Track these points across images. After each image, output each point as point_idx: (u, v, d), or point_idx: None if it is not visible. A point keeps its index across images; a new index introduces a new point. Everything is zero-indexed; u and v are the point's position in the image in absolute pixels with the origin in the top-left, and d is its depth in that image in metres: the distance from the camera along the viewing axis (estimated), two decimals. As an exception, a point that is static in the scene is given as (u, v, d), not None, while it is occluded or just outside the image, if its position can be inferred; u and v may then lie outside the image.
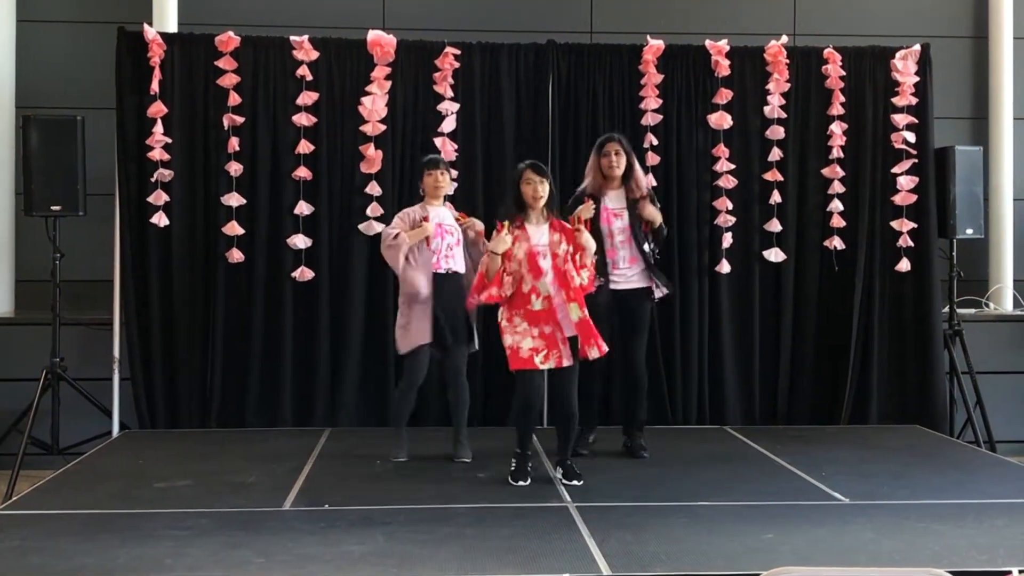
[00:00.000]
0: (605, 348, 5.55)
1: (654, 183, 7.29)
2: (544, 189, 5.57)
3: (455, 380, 6.15)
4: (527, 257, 5.51)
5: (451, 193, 7.10)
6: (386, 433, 6.36)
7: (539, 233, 5.58)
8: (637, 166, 6.25)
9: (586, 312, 5.50)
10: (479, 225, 6.26)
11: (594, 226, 5.98)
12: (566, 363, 5.48)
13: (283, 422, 7.15)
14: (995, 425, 7.45)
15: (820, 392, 7.50)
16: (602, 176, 6.18)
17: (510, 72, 7.38)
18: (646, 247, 6.16)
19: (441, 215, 6.18)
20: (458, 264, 6.13)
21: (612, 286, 6.08)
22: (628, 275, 6.13)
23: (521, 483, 5.54)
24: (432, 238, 6.06)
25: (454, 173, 7.15)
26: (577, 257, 5.56)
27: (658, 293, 6.25)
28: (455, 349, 6.10)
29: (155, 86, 7.07)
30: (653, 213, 6.16)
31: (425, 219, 6.09)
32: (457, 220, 6.24)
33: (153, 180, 7.07)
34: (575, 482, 5.55)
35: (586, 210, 5.93)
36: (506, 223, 5.59)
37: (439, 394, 7.21)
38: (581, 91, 7.40)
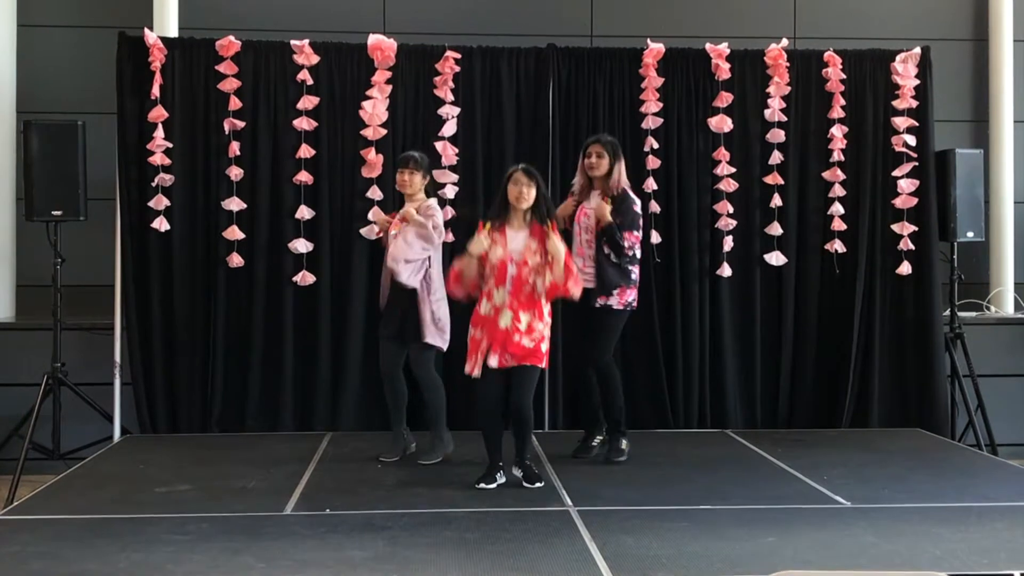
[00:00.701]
0: (534, 360, 5.50)
1: (654, 187, 7.30)
2: (530, 193, 5.55)
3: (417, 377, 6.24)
4: (499, 263, 5.54)
5: (451, 197, 7.14)
6: (387, 437, 6.36)
7: (517, 239, 5.57)
8: (620, 170, 6.19)
9: (535, 321, 5.47)
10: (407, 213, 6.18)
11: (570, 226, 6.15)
12: (478, 372, 5.51)
13: (284, 426, 7.15)
14: (996, 428, 7.45)
15: (821, 395, 7.49)
16: (586, 177, 6.21)
17: (510, 76, 7.38)
18: (605, 250, 6.07)
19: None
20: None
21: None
22: (586, 275, 6.02)
23: (483, 485, 5.55)
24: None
25: (454, 177, 7.17)
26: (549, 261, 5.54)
27: (600, 301, 6.08)
28: (393, 346, 6.20)
29: (156, 90, 7.08)
30: (600, 209, 6.05)
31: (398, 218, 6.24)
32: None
33: (154, 184, 7.08)
34: (536, 484, 5.57)
35: (565, 208, 6.17)
36: (487, 225, 5.60)
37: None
38: (581, 95, 7.40)
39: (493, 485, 5.57)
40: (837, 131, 7.46)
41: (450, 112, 7.24)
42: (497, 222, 5.60)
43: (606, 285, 6.08)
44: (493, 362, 5.47)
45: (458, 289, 5.70)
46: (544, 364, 5.63)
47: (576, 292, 5.62)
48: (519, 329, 5.47)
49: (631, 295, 6.18)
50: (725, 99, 7.39)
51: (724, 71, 7.40)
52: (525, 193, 5.55)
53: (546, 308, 5.60)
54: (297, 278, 7.14)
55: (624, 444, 6.23)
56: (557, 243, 5.53)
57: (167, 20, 7.74)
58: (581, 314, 6.12)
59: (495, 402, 5.59)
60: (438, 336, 6.11)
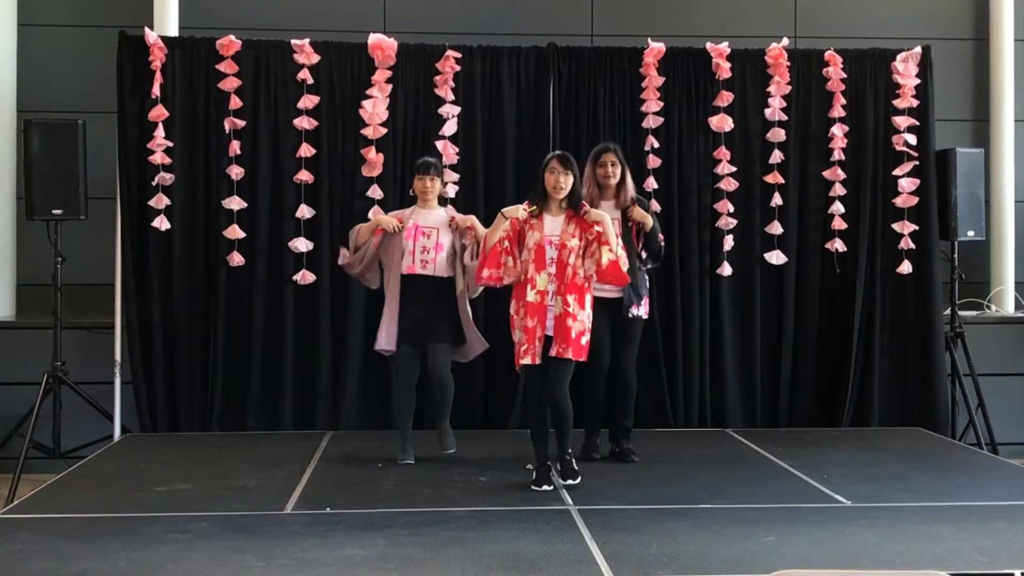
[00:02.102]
0: (579, 356, 5.50)
1: (655, 186, 7.30)
2: (567, 181, 5.56)
3: (435, 379, 6.13)
4: (536, 247, 5.53)
5: (452, 196, 7.14)
6: (388, 436, 6.37)
7: (554, 224, 5.58)
8: (629, 177, 6.21)
9: (577, 310, 5.47)
10: (469, 220, 6.22)
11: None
12: (539, 361, 5.47)
13: (284, 425, 7.15)
14: (997, 427, 7.45)
15: (821, 394, 7.49)
16: (597, 186, 6.16)
17: (511, 75, 7.38)
18: (643, 255, 6.14)
19: (427, 218, 6.19)
20: (438, 269, 6.11)
21: (603, 294, 5.99)
22: (611, 288, 5.96)
23: (546, 487, 5.50)
24: (405, 239, 6.11)
25: (454, 176, 7.17)
26: (595, 244, 5.50)
27: (632, 311, 6.14)
28: (432, 351, 6.11)
29: (156, 90, 7.08)
30: (643, 215, 6.12)
31: (399, 220, 6.17)
32: (451, 225, 6.20)
33: (154, 184, 7.08)
34: (570, 480, 5.57)
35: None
36: (532, 207, 5.61)
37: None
38: (582, 94, 7.40)
39: (552, 487, 5.52)
40: (838, 130, 7.46)
41: (450, 111, 7.24)
42: (536, 209, 5.62)
43: (639, 295, 6.15)
44: (553, 352, 5.47)
45: (482, 271, 5.60)
46: (584, 357, 5.58)
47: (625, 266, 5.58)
48: (569, 313, 5.45)
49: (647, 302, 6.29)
50: (726, 98, 7.39)
51: (725, 70, 7.40)
52: (563, 182, 5.56)
53: (587, 298, 5.56)
54: (297, 277, 7.14)
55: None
56: (598, 213, 5.57)
57: (167, 19, 7.73)
58: (611, 326, 6.11)
59: (544, 394, 5.59)
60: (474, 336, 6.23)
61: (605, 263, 5.46)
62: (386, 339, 6.18)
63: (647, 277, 6.30)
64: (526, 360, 5.48)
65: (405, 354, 6.15)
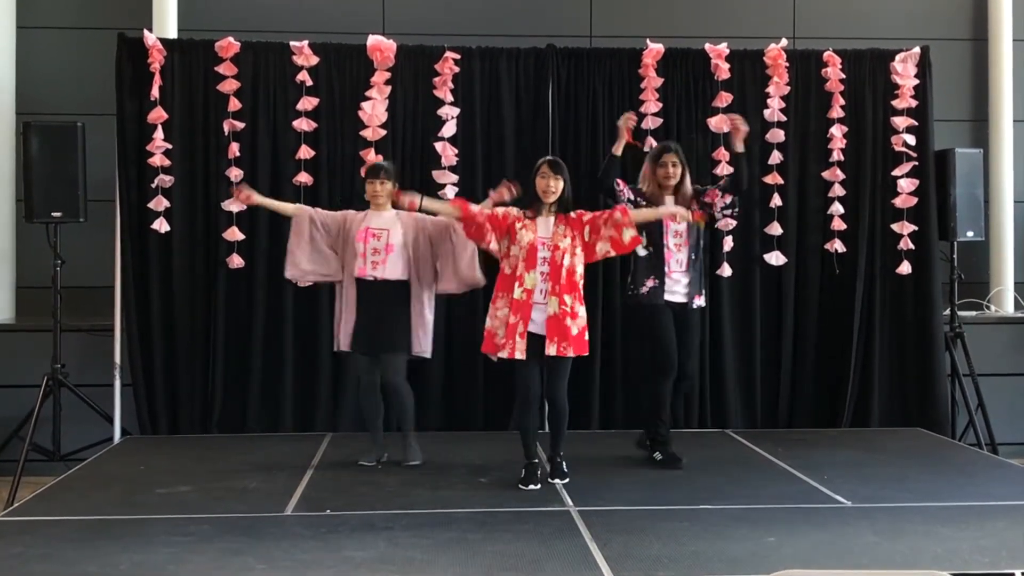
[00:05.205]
0: (581, 351, 5.60)
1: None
2: (557, 185, 5.64)
3: (389, 390, 6.06)
4: (528, 246, 5.60)
5: (451, 197, 7.12)
6: (387, 438, 6.35)
7: (546, 227, 5.67)
8: (688, 176, 6.21)
9: (576, 307, 5.57)
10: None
11: (650, 234, 6.03)
12: (518, 356, 5.53)
13: (284, 427, 7.16)
14: (997, 427, 7.45)
15: (821, 395, 7.50)
16: (657, 185, 6.14)
17: (510, 76, 7.38)
18: (702, 256, 6.20)
19: (378, 220, 6.11)
20: (388, 271, 6.03)
21: (666, 295, 6.05)
22: (681, 282, 6.08)
23: (532, 487, 5.56)
24: (356, 241, 6.06)
25: (453, 178, 7.16)
26: (604, 225, 5.63)
27: (696, 302, 6.18)
28: (385, 358, 6.03)
29: (155, 92, 7.08)
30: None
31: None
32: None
33: (153, 186, 7.08)
34: (558, 480, 5.64)
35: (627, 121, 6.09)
36: (524, 213, 5.70)
37: (440, 398, 7.23)
38: (581, 95, 7.41)
39: (539, 486, 5.58)
40: (837, 131, 7.46)
41: (449, 113, 7.24)
42: (529, 212, 5.70)
43: (700, 285, 6.20)
44: (552, 351, 5.52)
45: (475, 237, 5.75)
46: (586, 351, 5.69)
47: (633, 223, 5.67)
48: (567, 312, 5.55)
49: None
50: (724, 99, 7.39)
51: (723, 71, 7.41)
52: (553, 186, 5.65)
53: (578, 295, 5.66)
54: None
55: None
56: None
57: (166, 22, 7.73)
58: (676, 319, 6.10)
59: (537, 394, 5.67)
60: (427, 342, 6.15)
61: (628, 240, 5.63)
62: (344, 340, 6.12)
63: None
64: (503, 354, 5.57)
65: (361, 361, 6.10)
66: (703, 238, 6.28)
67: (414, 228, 6.11)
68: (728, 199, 6.23)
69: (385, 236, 6.06)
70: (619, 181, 6.16)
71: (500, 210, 5.73)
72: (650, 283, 6.06)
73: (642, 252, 6.06)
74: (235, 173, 7.12)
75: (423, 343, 6.13)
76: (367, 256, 6.04)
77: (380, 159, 7.15)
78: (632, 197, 6.10)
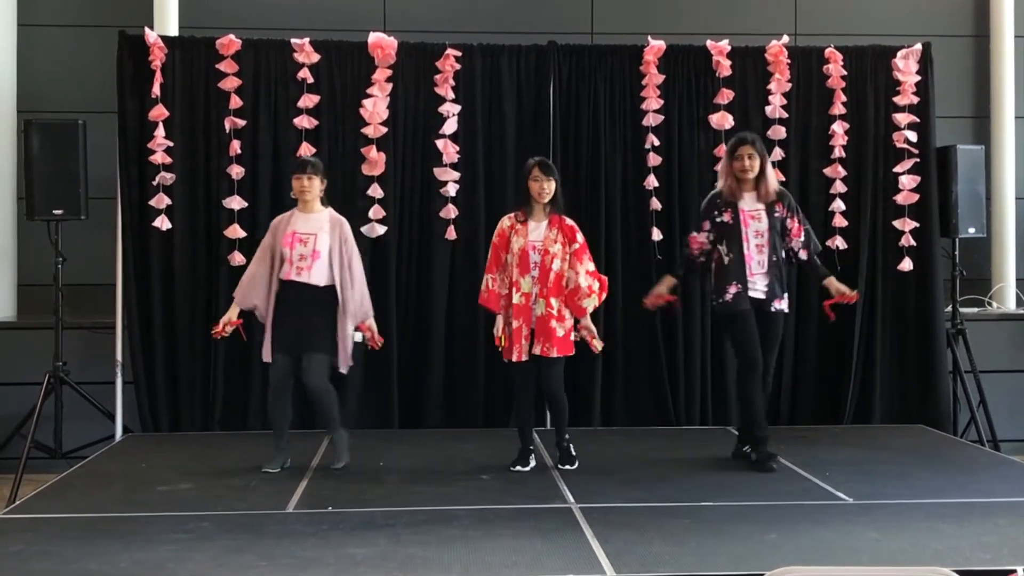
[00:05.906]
0: (565, 351, 5.78)
1: (656, 184, 7.31)
2: (549, 187, 5.78)
3: (310, 390, 5.86)
4: (520, 252, 5.75)
5: (453, 195, 7.14)
6: (389, 435, 6.38)
7: (538, 230, 5.80)
8: (769, 167, 6.08)
9: (562, 311, 5.73)
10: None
11: (732, 230, 5.92)
12: (525, 358, 5.73)
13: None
14: (998, 424, 7.44)
15: (823, 392, 7.49)
16: (735, 179, 6.00)
17: (511, 73, 7.38)
18: (783, 254, 6.02)
19: (305, 223, 5.91)
20: (314, 278, 5.82)
21: (750, 292, 5.92)
22: (760, 283, 5.93)
23: (520, 468, 5.83)
24: (283, 247, 5.85)
25: (455, 175, 7.16)
26: (578, 267, 5.82)
27: (776, 305, 6.00)
28: (306, 360, 5.79)
29: (156, 90, 7.08)
30: (838, 286, 6.09)
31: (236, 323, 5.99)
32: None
33: (155, 183, 7.08)
34: (567, 466, 5.85)
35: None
36: (516, 216, 5.85)
37: (439, 397, 7.22)
38: (582, 92, 7.40)
39: (528, 468, 5.86)
40: (838, 127, 7.46)
41: (451, 110, 7.24)
42: (520, 215, 5.83)
43: (783, 288, 6.03)
44: (537, 350, 5.72)
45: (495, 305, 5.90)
46: (571, 352, 5.86)
47: (587, 307, 5.81)
48: (553, 315, 5.72)
49: None
50: (726, 96, 7.39)
51: (725, 68, 7.40)
52: (546, 188, 5.77)
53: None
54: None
55: None
56: (575, 276, 5.80)
57: (167, 19, 7.73)
58: (759, 322, 5.94)
59: (533, 391, 5.89)
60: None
61: (578, 302, 5.78)
62: (264, 350, 5.90)
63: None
64: (515, 357, 5.75)
65: (278, 363, 5.82)
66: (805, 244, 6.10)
67: (339, 235, 5.91)
68: (803, 254, 6.11)
69: (312, 241, 5.84)
70: (690, 238, 6.10)
71: (496, 237, 5.88)
72: (733, 289, 5.88)
73: (724, 259, 5.93)
74: (236, 170, 7.12)
75: (340, 355, 5.90)
76: (293, 262, 5.83)
77: (382, 156, 7.15)
78: (710, 236, 5.99)
